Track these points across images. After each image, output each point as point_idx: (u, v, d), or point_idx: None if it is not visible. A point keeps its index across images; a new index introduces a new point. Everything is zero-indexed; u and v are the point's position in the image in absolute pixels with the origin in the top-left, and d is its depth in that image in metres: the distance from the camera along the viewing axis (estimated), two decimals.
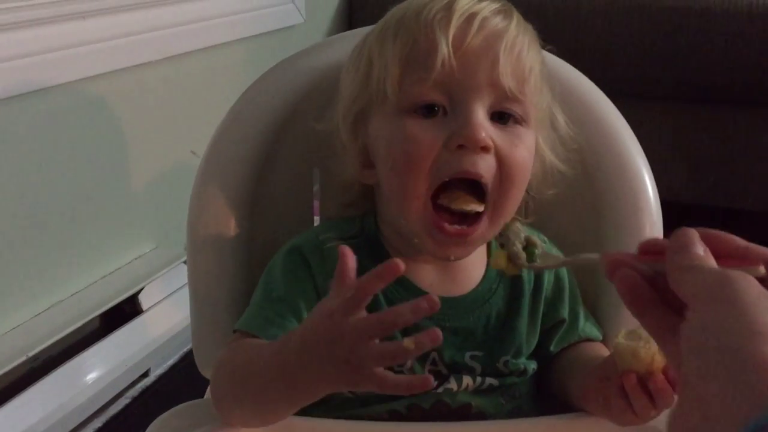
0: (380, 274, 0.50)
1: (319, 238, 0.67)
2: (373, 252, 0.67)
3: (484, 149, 0.60)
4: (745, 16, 1.57)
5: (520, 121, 0.62)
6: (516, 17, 0.64)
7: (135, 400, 1.25)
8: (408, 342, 0.48)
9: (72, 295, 1.23)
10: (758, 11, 1.56)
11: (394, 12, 0.66)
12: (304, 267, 0.65)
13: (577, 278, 0.72)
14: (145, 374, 1.29)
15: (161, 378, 1.30)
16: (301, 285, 0.64)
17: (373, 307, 0.54)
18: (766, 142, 1.71)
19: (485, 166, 0.60)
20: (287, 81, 0.77)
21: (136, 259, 1.36)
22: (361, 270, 0.67)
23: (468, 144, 0.59)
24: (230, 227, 0.73)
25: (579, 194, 0.75)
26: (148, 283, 1.31)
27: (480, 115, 0.60)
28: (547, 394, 0.70)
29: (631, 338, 0.57)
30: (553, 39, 0.78)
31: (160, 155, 1.40)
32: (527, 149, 0.63)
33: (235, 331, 0.65)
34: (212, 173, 0.74)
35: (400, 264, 0.50)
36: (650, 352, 0.56)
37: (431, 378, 0.50)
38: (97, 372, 1.18)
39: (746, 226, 2.01)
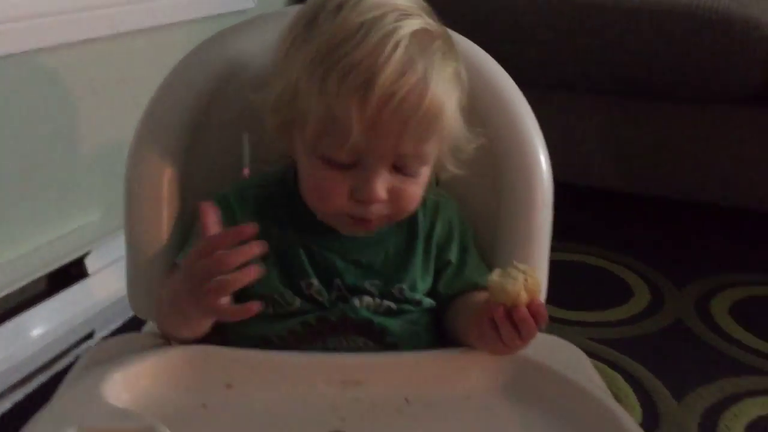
0: (233, 234, 0.61)
1: (243, 186, 0.77)
2: (289, 201, 0.76)
3: (380, 202, 0.69)
4: (666, 14, 1.67)
5: (418, 168, 0.70)
6: (436, 76, 0.65)
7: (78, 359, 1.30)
8: (232, 276, 0.61)
9: (20, 256, 1.28)
10: (680, 11, 1.67)
11: (325, 37, 0.65)
12: (229, 211, 0.74)
13: (475, 228, 0.81)
14: (90, 336, 1.35)
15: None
16: (226, 225, 0.72)
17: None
18: (688, 134, 1.81)
19: (377, 212, 0.70)
20: (223, 51, 0.84)
21: (83, 225, 1.42)
22: (277, 215, 0.76)
23: (367, 201, 0.69)
24: (164, 181, 0.79)
25: (483, 173, 0.81)
26: (94, 249, 1.37)
27: (379, 178, 0.68)
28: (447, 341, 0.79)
29: (502, 276, 0.64)
30: (489, 35, 0.85)
31: (108, 128, 1.45)
32: (420, 184, 0.71)
33: (174, 264, 0.76)
34: (148, 131, 0.80)
35: (248, 229, 0.61)
36: (516, 287, 0.63)
37: (252, 305, 0.62)
38: (42, 329, 1.24)
39: (670, 213, 2.12)
